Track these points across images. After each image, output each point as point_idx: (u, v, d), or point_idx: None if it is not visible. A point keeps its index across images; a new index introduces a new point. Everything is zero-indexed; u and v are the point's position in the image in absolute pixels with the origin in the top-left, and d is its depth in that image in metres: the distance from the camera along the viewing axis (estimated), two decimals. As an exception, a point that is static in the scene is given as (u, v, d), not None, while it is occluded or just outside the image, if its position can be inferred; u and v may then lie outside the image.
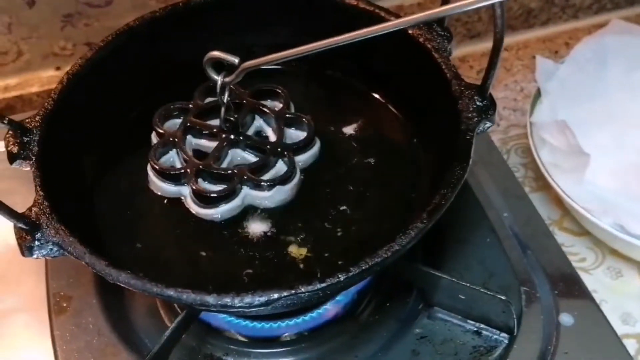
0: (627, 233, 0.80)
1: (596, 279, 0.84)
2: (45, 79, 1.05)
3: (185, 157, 0.73)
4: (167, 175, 0.73)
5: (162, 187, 0.73)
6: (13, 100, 1.04)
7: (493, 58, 0.64)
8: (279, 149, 0.73)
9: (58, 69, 1.05)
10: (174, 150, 0.75)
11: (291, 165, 0.73)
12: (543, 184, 0.93)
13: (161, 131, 0.75)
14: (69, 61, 1.03)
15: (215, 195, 0.71)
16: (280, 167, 0.73)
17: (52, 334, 0.74)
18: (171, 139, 0.75)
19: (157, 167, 0.73)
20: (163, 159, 0.74)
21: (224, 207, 0.71)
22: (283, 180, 0.72)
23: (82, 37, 1.02)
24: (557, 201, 0.91)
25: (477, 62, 1.11)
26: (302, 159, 0.75)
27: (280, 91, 0.78)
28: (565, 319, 0.74)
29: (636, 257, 0.84)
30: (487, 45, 1.11)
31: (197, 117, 0.76)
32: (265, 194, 0.72)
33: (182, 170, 0.73)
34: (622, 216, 0.81)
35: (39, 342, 0.76)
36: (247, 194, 0.72)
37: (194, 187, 0.71)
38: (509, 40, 1.12)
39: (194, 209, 0.72)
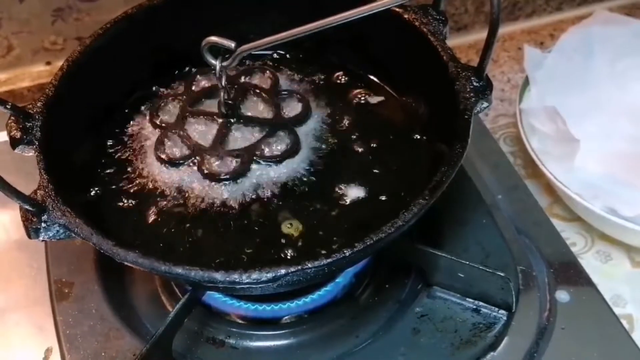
0: (618, 216, 0.81)
1: (587, 263, 0.85)
2: (36, 73, 1.05)
3: (190, 144, 0.74)
4: (175, 164, 0.74)
5: (169, 175, 0.74)
6: (4, 95, 1.03)
7: (489, 39, 0.65)
8: (279, 123, 0.75)
9: (49, 63, 1.05)
10: (177, 139, 0.75)
11: (295, 137, 0.75)
12: (532, 172, 0.95)
13: (159, 123, 0.77)
14: (59, 56, 1.04)
15: (228, 176, 0.72)
16: (285, 140, 0.74)
17: (55, 320, 0.74)
18: (173, 130, 0.75)
19: (164, 157, 0.74)
20: (167, 150, 0.75)
21: (235, 186, 0.72)
22: (292, 151, 0.74)
23: (72, 32, 1.02)
24: (547, 188, 0.93)
25: (464, 54, 1.12)
26: (304, 131, 0.76)
27: (267, 68, 0.80)
28: (562, 295, 0.75)
29: (627, 240, 0.86)
30: (473, 37, 1.14)
31: (192, 104, 0.77)
32: (276, 169, 0.73)
33: (190, 158, 0.74)
34: (612, 200, 0.83)
35: (32, 340, 0.77)
36: (258, 172, 0.73)
37: (207, 170, 0.72)
38: (494, 32, 1.14)
39: (204, 192, 0.72)
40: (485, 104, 0.68)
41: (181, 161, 0.74)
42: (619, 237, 0.86)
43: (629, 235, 0.84)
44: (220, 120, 0.75)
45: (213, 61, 0.70)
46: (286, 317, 0.75)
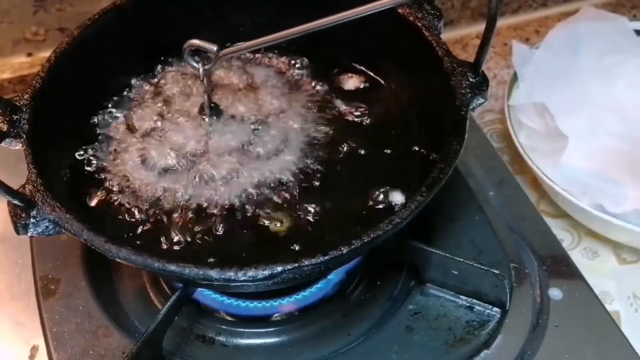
0: (606, 213, 0.81)
1: (574, 260, 0.85)
2: (17, 65, 1.02)
3: (176, 149, 0.73)
4: (163, 168, 0.73)
5: (155, 176, 0.73)
6: (-17, 87, 1.02)
7: (487, 34, 0.65)
8: (264, 118, 0.75)
9: (30, 55, 1.03)
10: (162, 145, 0.74)
11: (284, 132, 0.74)
12: (519, 168, 0.94)
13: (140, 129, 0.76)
14: (41, 47, 1.02)
15: (223, 174, 0.71)
16: (274, 136, 0.74)
17: (41, 317, 0.73)
18: (156, 136, 0.75)
19: (157, 167, 0.73)
20: (156, 157, 0.74)
21: (229, 187, 0.71)
22: (283, 146, 0.73)
23: (54, 23, 1.00)
24: (533, 184, 0.93)
25: (451, 49, 1.11)
26: (291, 126, 0.76)
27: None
28: (555, 293, 0.75)
29: (613, 236, 0.86)
30: (459, 32, 1.14)
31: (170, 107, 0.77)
32: (267, 165, 0.72)
33: (179, 164, 0.73)
34: (599, 197, 0.83)
35: (17, 339, 0.76)
36: (251, 169, 0.72)
37: (200, 173, 0.72)
38: (480, 28, 1.13)
39: (195, 194, 0.71)
40: (481, 100, 0.67)
41: (170, 166, 0.73)
42: (606, 234, 0.86)
43: (616, 231, 0.84)
44: (204, 122, 0.75)
45: (195, 64, 0.69)
46: (277, 315, 0.74)
